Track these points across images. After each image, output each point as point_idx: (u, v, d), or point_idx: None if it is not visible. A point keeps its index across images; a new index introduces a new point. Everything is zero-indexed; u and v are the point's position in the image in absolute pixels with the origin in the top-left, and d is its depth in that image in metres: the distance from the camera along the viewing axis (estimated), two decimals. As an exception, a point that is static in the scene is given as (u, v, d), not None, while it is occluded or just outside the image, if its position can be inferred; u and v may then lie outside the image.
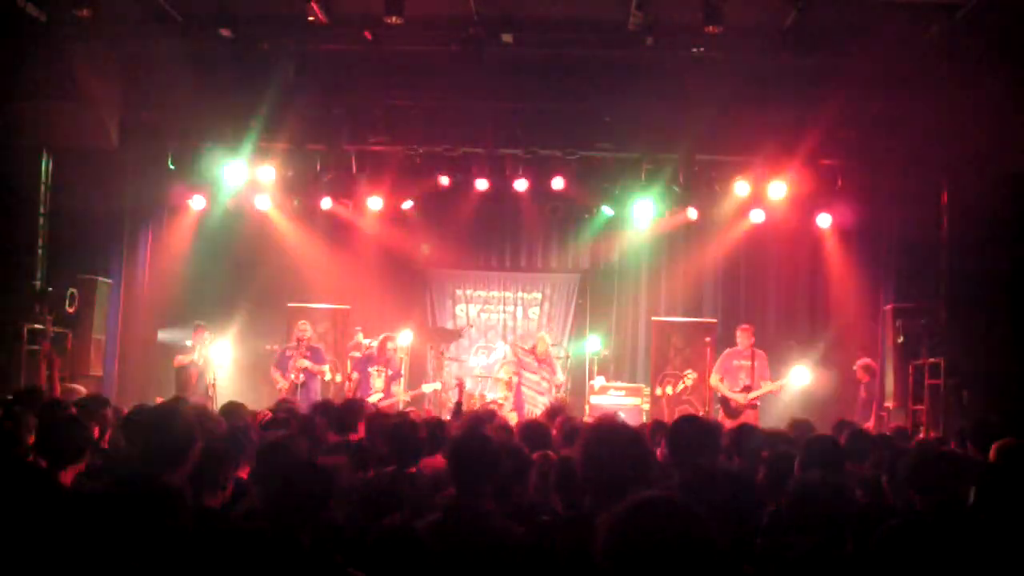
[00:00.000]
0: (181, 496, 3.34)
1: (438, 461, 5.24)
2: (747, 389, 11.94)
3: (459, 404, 11.28)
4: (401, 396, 12.06)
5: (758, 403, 11.99)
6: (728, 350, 12.36)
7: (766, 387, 11.97)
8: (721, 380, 12.12)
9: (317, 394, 12.45)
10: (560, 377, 12.63)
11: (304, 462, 3.97)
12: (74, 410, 6.28)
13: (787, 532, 3.69)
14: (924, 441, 8.75)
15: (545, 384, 12.29)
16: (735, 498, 3.72)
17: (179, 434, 4.08)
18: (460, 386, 11.82)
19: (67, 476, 4.68)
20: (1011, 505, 3.65)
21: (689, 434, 4.52)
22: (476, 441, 4.10)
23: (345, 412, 6.88)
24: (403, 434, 5.43)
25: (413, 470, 5.32)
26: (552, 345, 13.02)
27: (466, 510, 3.76)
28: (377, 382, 11.89)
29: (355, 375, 12.44)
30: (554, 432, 6.48)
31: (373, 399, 11.56)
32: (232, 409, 6.94)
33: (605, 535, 2.17)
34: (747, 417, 11.34)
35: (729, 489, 3.59)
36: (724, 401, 12.10)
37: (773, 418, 11.70)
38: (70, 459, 4.72)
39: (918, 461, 4.51)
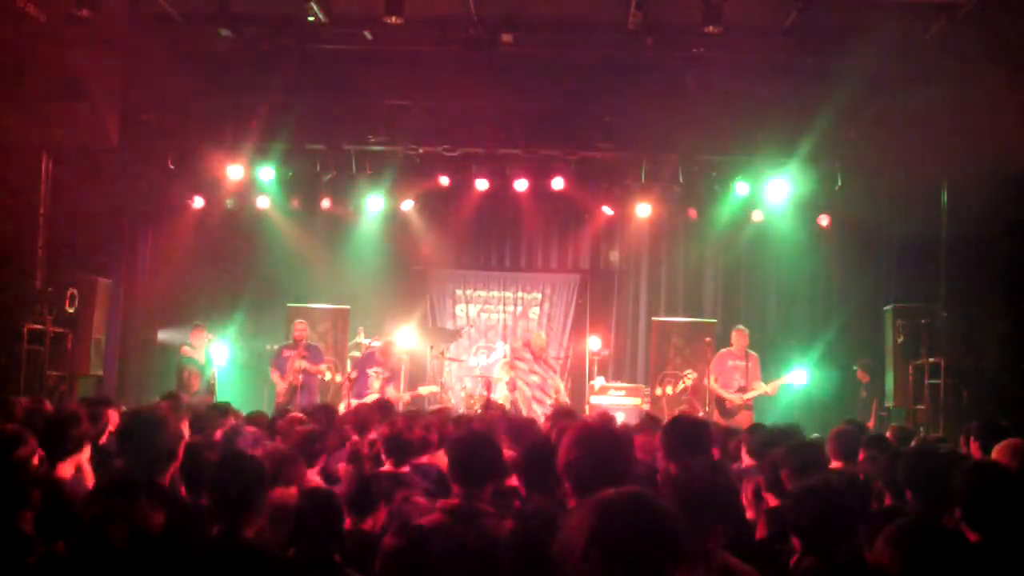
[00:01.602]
0: (167, 494, 3.35)
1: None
2: (742, 390, 11.93)
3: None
4: (394, 395, 12.01)
5: (752, 404, 11.97)
6: (722, 351, 12.36)
7: (760, 388, 11.95)
8: (715, 381, 12.11)
9: (316, 395, 12.45)
10: (558, 381, 12.57)
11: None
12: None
13: (785, 532, 3.70)
14: (925, 440, 8.74)
15: (548, 383, 12.19)
16: (731, 497, 3.71)
17: (165, 438, 4.11)
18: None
19: (67, 469, 4.72)
20: (1012, 507, 3.63)
21: (683, 433, 4.53)
22: (478, 441, 4.09)
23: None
24: (397, 436, 5.43)
25: (406, 469, 5.33)
26: (547, 347, 12.90)
27: (467, 511, 3.75)
28: (375, 383, 11.89)
29: (354, 374, 12.43)
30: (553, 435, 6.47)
31: (369, 399, 11.54)
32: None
33: (568, 531, 2.15)
34: (742, 418, 11.34)
35: (724, 488, 3.58)
36: (719, 402, 12.09)
37: (773, 419, 11.69)
38: (69, 451, 4.77)
39: (917, 461, 4.51)
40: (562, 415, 8.22)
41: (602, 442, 3.44)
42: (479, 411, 10.83)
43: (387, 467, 5.38)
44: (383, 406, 7.91)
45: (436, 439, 6.04)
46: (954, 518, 3.69)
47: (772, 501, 4.66)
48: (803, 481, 3.85)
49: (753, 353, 12.18)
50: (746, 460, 6.01)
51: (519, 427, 6.16)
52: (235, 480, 3.67)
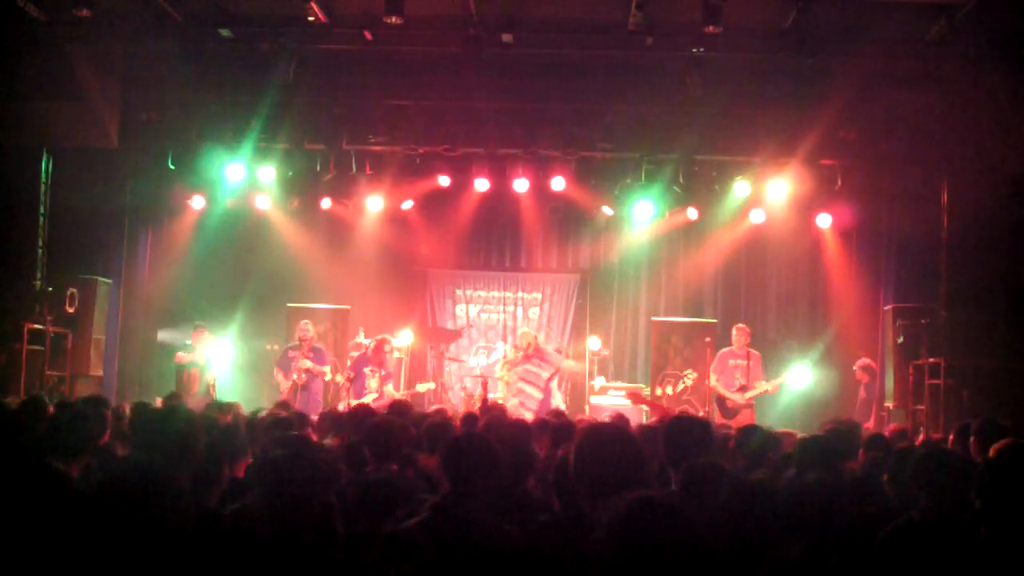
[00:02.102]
0: (181, 494, 3.33)
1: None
2: (743, 389, 11.92)
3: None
4: (393, 394, 12.03)
5: (753, 403, 11.97)
6: (724, 350, 12.36)
7: (762, 387, 11.95)
8: (717, 380, 12.11)
9: (319, 395, 12.44)
10: (568, 363, 12.52)
11: (308, 466, 3.95)
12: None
13: (782, 533, 3.69)
14: (929, 441, 8.73)
15: (544, 374, 12.14)
16: (731, 498, 3.71)
17: (183, 434, 4.08)
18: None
19: (74, 471, 4.73)
20: (1014, 507, 3.62)
21: (684, 434, 4.52)
22: (472, 440, 4.08)
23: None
24: (385, 434, 5.42)
25: (395, 468, 5.32)
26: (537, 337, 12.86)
27: (455, 509, 3.75)
28: (372, 382, 11.88)
29: (351, 375, 12.44)
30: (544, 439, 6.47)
31: (368, 399, 11.54)
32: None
33: (603, 535, 2.16)
34: (743, 417, 11.33)
35: (725, 489, 3.58)
36: (720, 401, 12.09)
37: (772, 419, 11.69)
38: (75, 454, 4.78)
39: (925, 462, 4.49)
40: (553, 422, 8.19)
41: (611, 445, 3.43)
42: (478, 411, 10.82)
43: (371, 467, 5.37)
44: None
45: (415, 434, 6.04)
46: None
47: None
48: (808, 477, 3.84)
49: (755, 352, 12.19)
50: (742, 461, 5.99)
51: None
52: (291, 481, 3.64)
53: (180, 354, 12.65)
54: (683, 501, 3.57)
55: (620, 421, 7.27)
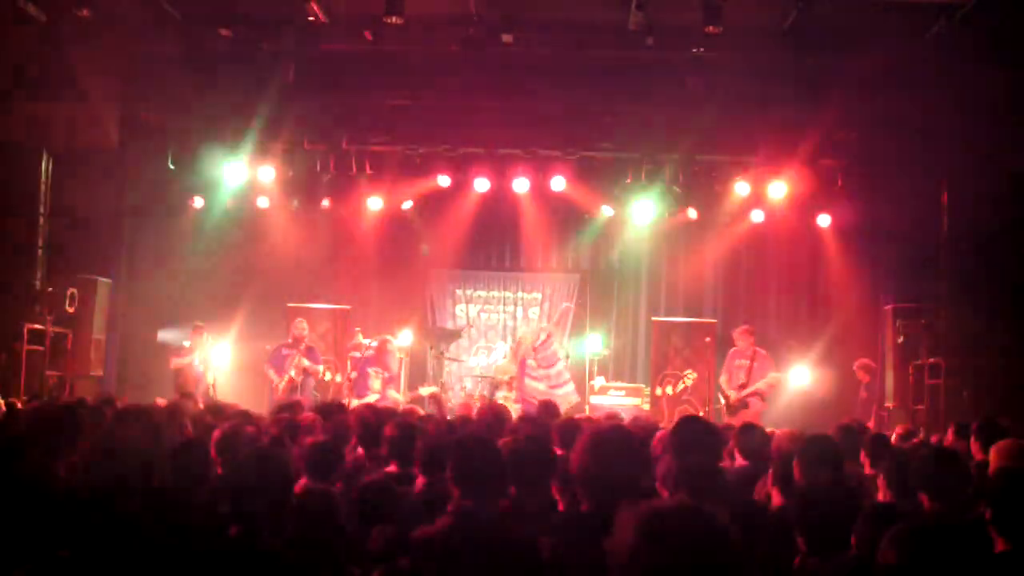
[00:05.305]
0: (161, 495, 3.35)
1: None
2: (742, 387, 11.92)
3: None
4: (396, 398, 12.01)
5: (750, 401, 11.90)
6: (732, 349, 12.35)
7: (753, 386, 11.89)
8: (728, 380, 12.11)
9: (312, 393, 12.38)
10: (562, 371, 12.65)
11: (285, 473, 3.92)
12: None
13: (791, 533, 3.69)
14: (926, 441, 8.74)
15: (560, 352, 12.37)
16: (737, 498, 3.71)
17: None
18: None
19: (60, 468, 4.70)
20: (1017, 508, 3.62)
21: (692, 435, 4.52)
22: (481, 446, 4.06)
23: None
24: (403, 437, 5.40)
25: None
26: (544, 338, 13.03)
27: (477, 514, 3.72)
28: (375, 383, 11.87)
29: (354, 375, 12.43)
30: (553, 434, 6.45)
31: (370, 399, 11.53)
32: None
33: (630, 538, 2.10)
34: (746, 415, 11.29)
35: (732, 489, 3.58)
36: (725, 399, 12.10)
37: (772, 419, 11.68)
38: (63, 452, 4.76)
39: (930, 463, 4.48)
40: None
41: (617, 448, 3.43)
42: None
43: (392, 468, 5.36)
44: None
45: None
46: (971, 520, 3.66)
47: (777, 499, 4.64)
48: (814, 478, 3.84)
49: (762, 351, 12.10)
50: (739, 460, 5.98)
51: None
52: (261, 481, 3.62)
53: (175, 360, 12.60)
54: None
55: (614, 420, 7.29)
